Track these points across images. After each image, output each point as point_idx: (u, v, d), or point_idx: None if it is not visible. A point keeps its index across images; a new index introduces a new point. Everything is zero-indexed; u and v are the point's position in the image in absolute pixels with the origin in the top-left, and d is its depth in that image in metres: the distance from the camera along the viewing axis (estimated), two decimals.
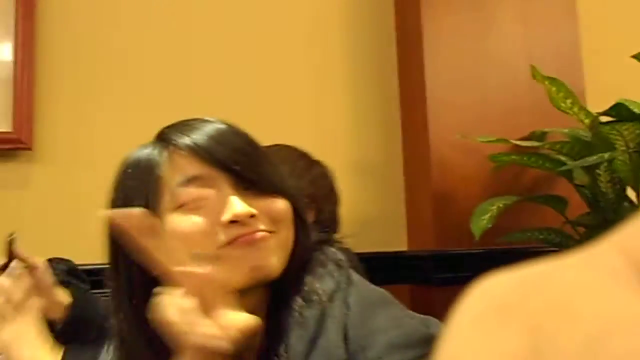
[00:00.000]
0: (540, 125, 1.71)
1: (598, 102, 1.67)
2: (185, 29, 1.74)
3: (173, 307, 0.60)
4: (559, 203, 1.57)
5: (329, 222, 1.33)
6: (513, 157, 1.61)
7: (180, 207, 0.69)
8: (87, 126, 1.62)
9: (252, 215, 0.68)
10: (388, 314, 0.72)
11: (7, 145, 1.53)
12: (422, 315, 0.81)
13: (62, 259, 1.46)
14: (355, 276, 0.76)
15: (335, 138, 1.82)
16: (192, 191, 0.69)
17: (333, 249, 0.79)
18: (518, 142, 1.59)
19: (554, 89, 1.55)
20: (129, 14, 1.70)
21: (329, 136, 1.80)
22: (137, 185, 0.72)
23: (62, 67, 1.62)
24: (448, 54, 1.77)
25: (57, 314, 1.06)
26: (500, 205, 1.47)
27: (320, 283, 0.73)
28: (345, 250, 1.09)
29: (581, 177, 1.55)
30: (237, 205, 0.68)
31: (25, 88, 1.54)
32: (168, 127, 0.76)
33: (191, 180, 0.69)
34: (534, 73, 1.57)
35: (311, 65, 1.84)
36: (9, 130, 1.53)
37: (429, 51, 1.75)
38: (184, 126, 0.74)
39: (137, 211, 0.65)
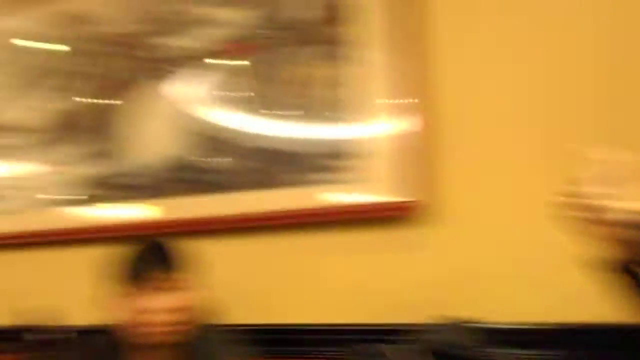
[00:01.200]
0: None
1: None
2: None
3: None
4: None
5: None
6: None
7: None
8: (484, 188, 1.49)
9: None
10: None
11: (405, 212, 1.52)
12: None
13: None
14: None
15: None
16: None
17: None
18: None
19: None
20: None
21: None
22: None
23: (461, 131, 1.52)
24: None
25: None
26: None
27: None
28: None
29: None
30: None
31: (428, 155, 1.52)
32: None
33: None
34: None
35: None
36: (413, 199, 1.50)
37: None
38: None
39: None
